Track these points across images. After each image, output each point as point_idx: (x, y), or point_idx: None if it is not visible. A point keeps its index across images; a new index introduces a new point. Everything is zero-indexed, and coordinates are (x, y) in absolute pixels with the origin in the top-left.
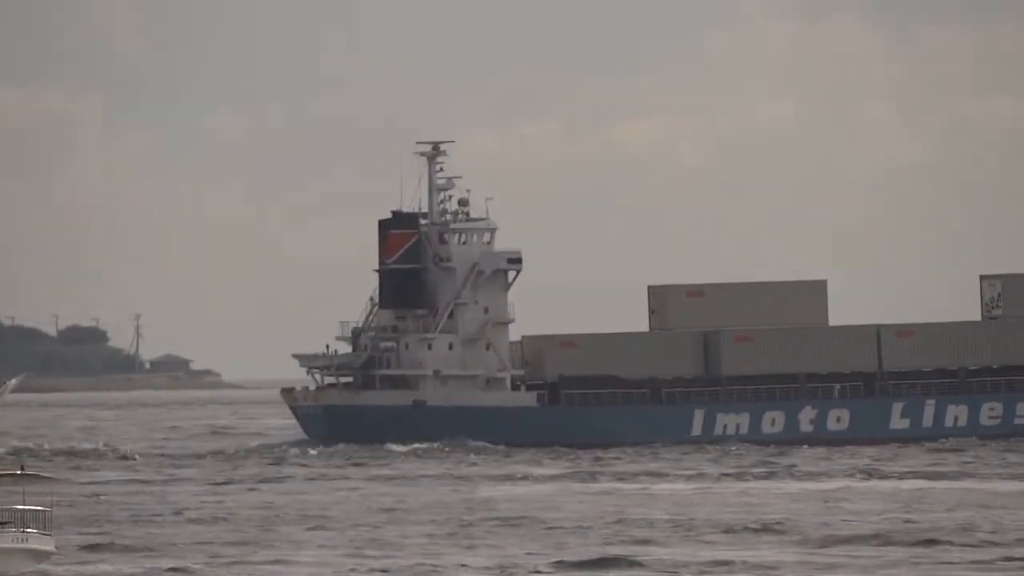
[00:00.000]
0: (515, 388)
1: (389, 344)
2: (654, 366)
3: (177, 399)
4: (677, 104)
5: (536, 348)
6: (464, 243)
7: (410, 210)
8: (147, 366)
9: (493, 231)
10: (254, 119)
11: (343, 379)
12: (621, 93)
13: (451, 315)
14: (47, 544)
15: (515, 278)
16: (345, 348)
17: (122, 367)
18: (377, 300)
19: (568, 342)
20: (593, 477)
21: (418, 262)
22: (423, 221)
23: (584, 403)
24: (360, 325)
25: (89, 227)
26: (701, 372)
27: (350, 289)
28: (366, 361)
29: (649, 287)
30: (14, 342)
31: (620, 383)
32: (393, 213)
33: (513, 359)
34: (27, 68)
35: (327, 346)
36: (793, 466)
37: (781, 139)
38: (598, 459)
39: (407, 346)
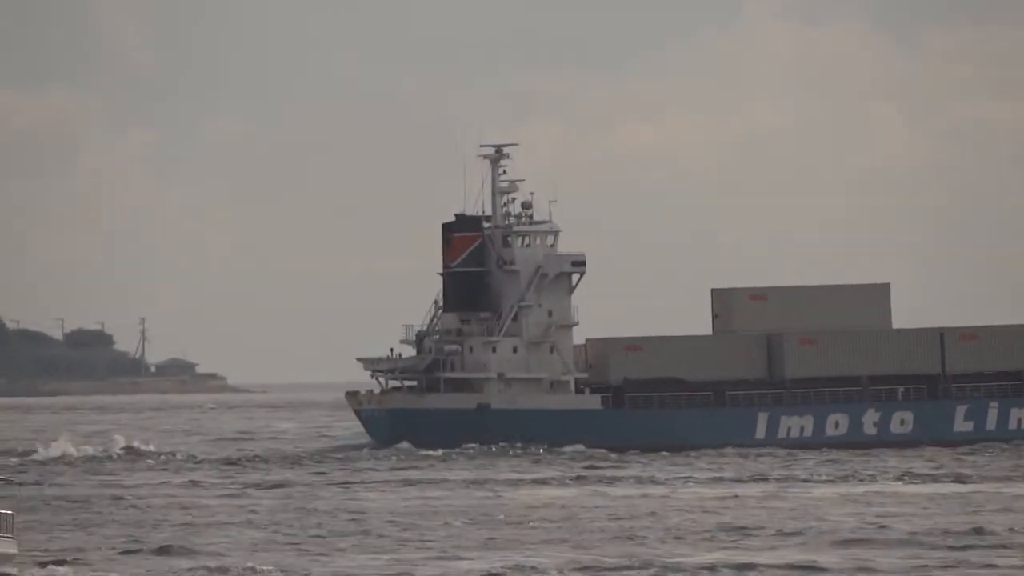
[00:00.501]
0: (579, 391)
1: (453, 347)
2: (718, 369)
3: (189, 402)
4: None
5: (600, 351)
6: (528, 246)
7: (473, 213)
8: (152, 370)
9: (556, 234)
10: (258, 121)
11: (407, 382)
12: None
13: (515, 318)
14: (10, 547)
15: (579, 281)
16: (409, 351)
17: (128, 371)
18: (441, 303)
19: (632, 345)
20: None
21: (482, 265)
22: (486, 224)
23: (648, 406)
24: (424, 328)
25: (94, 231)
26: (764, 375)
27: (414, 293)
28: (430, 364)
29: (712, 290)
30: (20, 346)
31: (684, 386)
32: (457, 216)
33: (577, 362)
34: (30, 71)
35: (391, 349)
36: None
37: (821, 140)
38: (688, 463)
39: (471, 349)
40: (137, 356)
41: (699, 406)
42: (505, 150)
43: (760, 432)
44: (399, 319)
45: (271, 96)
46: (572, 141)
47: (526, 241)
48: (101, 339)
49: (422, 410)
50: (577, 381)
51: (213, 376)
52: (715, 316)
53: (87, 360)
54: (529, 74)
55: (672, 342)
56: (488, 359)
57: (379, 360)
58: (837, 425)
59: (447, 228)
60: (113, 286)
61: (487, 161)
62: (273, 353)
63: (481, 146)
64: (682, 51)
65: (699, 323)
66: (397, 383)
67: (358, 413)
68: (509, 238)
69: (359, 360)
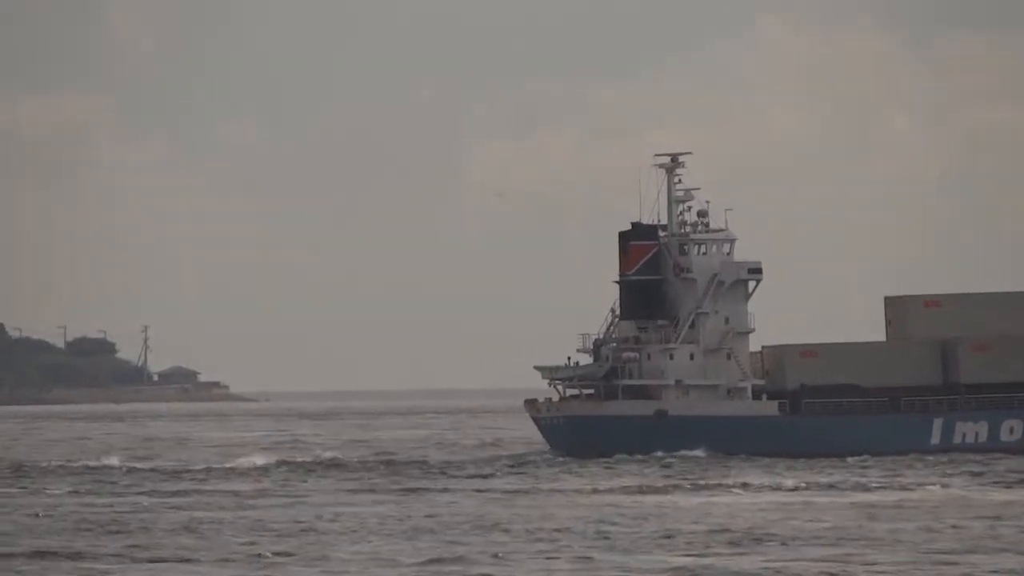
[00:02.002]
0: (756, 398)
1: (631, 355)
2: (893, 375)
3: (242, 410)
4: None
5: (776, 357)
6: (704, 254)
7: (649, 222)
8: (155, 378)
9: (732, 242)
10: (271, 129)
11: (585, 390)
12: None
13: (692, 325)
14: None
15: (755, 288)
16: (586, 360)
17: (130, 379)
18: (618, 311)
19: (808, 351)
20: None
21: (659, 273)
22: (662, 233)
23: (824, 412)
24: (601, 336)
25: (97, 239)
26: (939, 381)
27: (590, 301)
28: (608, 372)
29: (886, 297)
30: (22, 354)
31: (859, 392)
32: (633, 225)
33: (753, 369)
34: (41, 79)
35: (568, 358)
36: None
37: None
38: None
39: (649, 356)
40: (139, 364)
41: (875, 412)
42: (680, 159)
43: (935, 438)
44: (575, 328)
45: (286, 104)
46: (744, 150)
47: (702, 249)
48: (103, 347)
49: (602, 417)
50: (754, 388)
51: (216, 384)
52: (888, 322)
53: (89, 368)
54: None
55: (848, 349)
56: (666, 366)
57: (557, 368)
58: (1012, 431)
59: (624, 237)
60: (115, 294)
61: (662, 170)
62: (274, 362)
63: (656, 155)
64: None
65: (872, 330)
66: (575, 391)
67: (536, 421)
68: (686, 246)
69: (537, 368)
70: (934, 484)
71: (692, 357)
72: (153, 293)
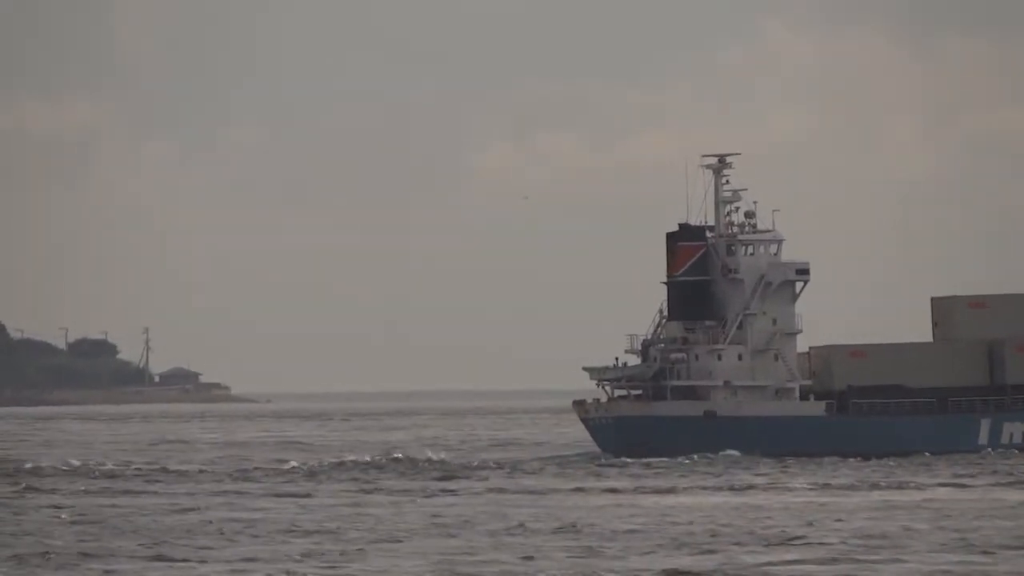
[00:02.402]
0: (803, 398)
1: (679, 355)
2: (940, 376)
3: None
4: None
5: (824, 358)
6: (752, 255)
7: (696, 223)
8: (156, 379)
9: (780, 242)
10: (277, 132)
11: (633, 391)
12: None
13: (740, 326)
14: None
15: (802, 289)
16: (634, 360)
17: (131, 380)
18: (666, 312)
19: (856, 352)
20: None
21: (706, 274)
22: (710, 234)
23: (872, 412)
24: (649, 337)
25: (100, 241)
26: (986, 381)
27: (638, 302)
28: (657, 372)
29: (932, 299)
30: (24, 355)
31: (907, 393)
32: (680, 226)
33: (801, 369)
34: (46, 81)
35: (616, 359)
36: None
37: None
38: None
39: (697, 357)
40: (141, 366)
41: (922, 413)
42: (727, 159)
43: (983, 438)
44: (621, 329)
45: (289, 108)
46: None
47: (750, 250)
48: (105, 349)
49: (650, 417)
50: (801, 388)
51: (217, 386)
52: (935, 324)
53: (91, 369)
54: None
55: (895, 349)
56: (714, 367)
57: (605, 369)
58: None
59: (671, 238)
60: (116, 296)
61: (710, 171)
62: (277, 364)
63: (703, 156)
64: None
65: (918, 330)
66: (623, 392)
67: (585, 421)
68: (733, 247)
69: (585, 369)
70: None
71: (740, 358)
72: (154, 295)
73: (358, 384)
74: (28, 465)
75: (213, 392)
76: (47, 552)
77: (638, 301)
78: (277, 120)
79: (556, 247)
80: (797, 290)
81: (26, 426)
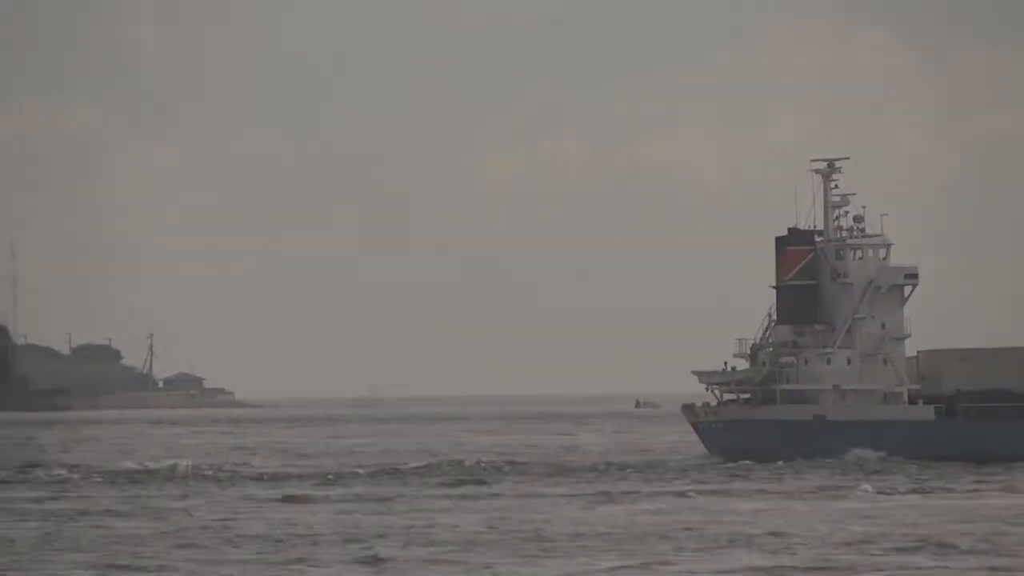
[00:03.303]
0: (912, 402)
1: (788, 359)
2: None
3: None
4: None
5: (932, 362)
6: (861, 259)
7: (805, 227)
8: (160, 384)
9: (889, 247)
10: (285, 136)
11: (742, 395)
12: None
13: (849, 330)
14: None
15: (911, 293)
16: (742, 364)
17: (135, 386)
18: (775, 316)
19: (965, 356)
20: None
21: (815, 278)
22: (818, 238)
23: (981, 417)
24: (758, 341)
25: (103, 245)
26: None
27: (747, 305)
28: (766, 376)
29: None
30: (28, 360)
31: (1016, 397)
32: (790, 230)
33: (909, 373)
34: (47, 84)
35: (724, 363)
36: None
37: None
38: None
39: (806, 361)
40: (145, 371)
41: None
42: (837, 163)
43: None
44: (730, 333)
45: (293, 113)
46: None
47: (859, 254)
48: (108, 354)
49: (760, 421)
50: (910, 392)
51: (221, 391)
52: None
53: (94, 375)
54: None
55: (1004, 354)
56: (823, 371)
57: (714, 373)
58: None
59: (781, 242)
60: (120, 301)
61: (818, 175)
62: (282, 368)
63: (812, 160)
64: None
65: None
66: (732, 396)
67: (695, 425)
68: (842, 251)
69: (694, 373)
70: None
71: (849, 362)
72: (158, 300)
73: (408, 388)
74: (177, 466)
75: (217, 397)
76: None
77: (744, 305)
78: (281, 126)
79: (660, 250)
80: (906, 294)
81: (65, 431)
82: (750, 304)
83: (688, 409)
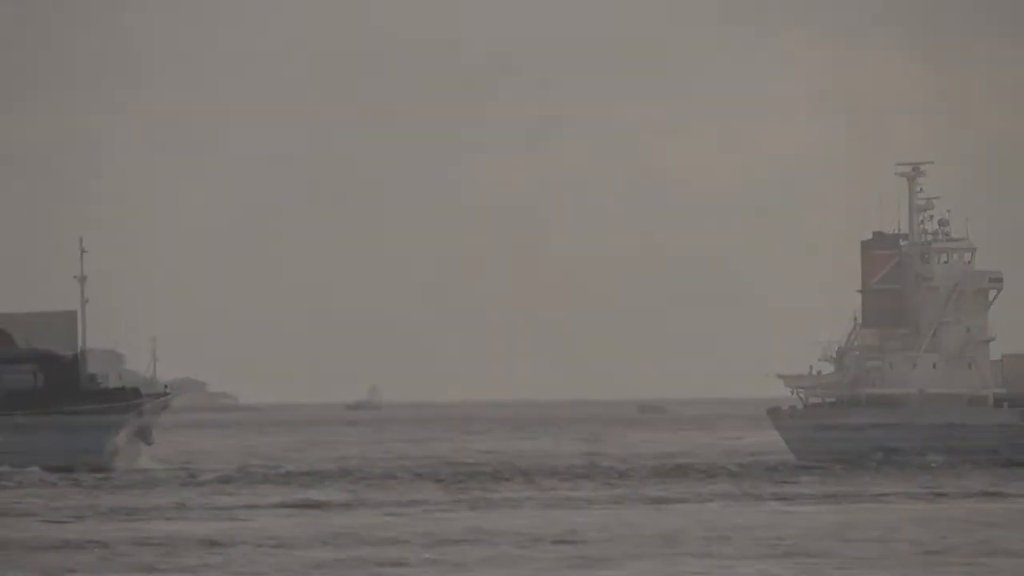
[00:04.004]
0: (997, 406)
1: (875, 363)
2: None
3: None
4: None
5: (1017, 366)
6: (946, 263)
7: (890, 231)
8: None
9: (973, 251)
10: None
11: (827, 399)
12: None
13: (934, 334)
14: None
15: (995, 297)
16: (827, 368)
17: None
18: (860, 320)
19: None
20: None
21: (900, 282)
22: (903, 242)
23: None
24: (843, 345)
25: (106, 247)
26: None
27: (831, 308)
28: (852, 380)
29: None
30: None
31: None
32: (875, 234)
33: (994, 377)
34: (49, 85)
35: (810, 367)
36: None
37: None
38: None
39: (892, 365)
40: (149, 376)
41: None
42: (922, 167)
43: None
44: (804, 335)
45: (296, 116)
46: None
47: (944, 258)
48: (112, 358)
49: (846, 425)
50: (995, 396)
51: (224, 395)
52: None
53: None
54: None
55: None
56: (909, 375)
57: (801, 377)
58: None
59: (866, 246)
60: (124, 306)
61: (903, 179)
62: (283, 371)
63: (898, 164)
64: None
65: None
66: (818, 400)
67: (780, 429)
68: (927, 255)
69: (779, 377)
70: None
71: (935, 366)
72: (162, 304)
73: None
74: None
75: (220, 401)
76: None
77: (825, 308)
78: (283, 129)
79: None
80: (990, 298)
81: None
82: (832, 306)
83: (774, 412)
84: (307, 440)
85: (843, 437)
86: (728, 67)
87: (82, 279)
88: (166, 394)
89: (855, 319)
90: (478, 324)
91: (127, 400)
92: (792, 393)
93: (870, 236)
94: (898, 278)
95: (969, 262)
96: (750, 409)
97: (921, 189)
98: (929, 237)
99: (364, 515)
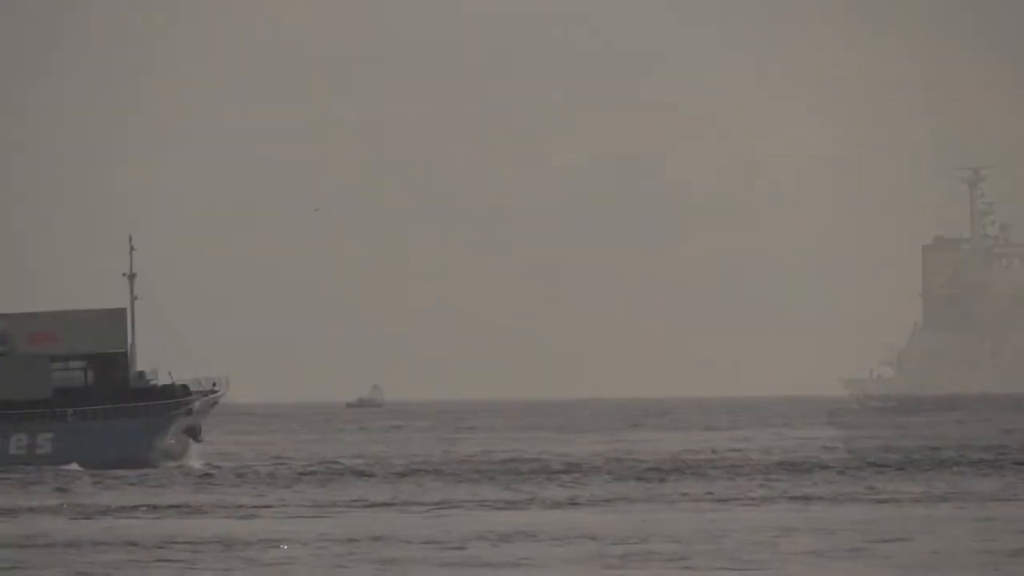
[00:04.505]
0: None
1: (936, 366)
2: None
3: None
4: None
5: None
6: (1007, 267)
7: (951, 235)
8: None
9: None
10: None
11: (888, 402)
12: None
13: (996, 337)
14: None
15: None
16: (888, 371)
17: None
18: (921, 324)
19: None
20: None
21: (962, 286)
22: (964, 246)
23: None
24: (905, 348)
25: (105, 252)
26: None
27: (892, 312)
28: (913, 383)
29: None
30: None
31: None
32: (935, 239)
33: None
34: (50, 88)
35: (870, 369)
36: None
37: None
38: None
39: (953, 368)
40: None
41: None
42: (982, 171)
43: None
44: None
45: (295, 114)
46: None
47: (1005, 262)
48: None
49: (906, 424)
50: None
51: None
52: None
53: None
54: None
55: None
56: (970, 377)
57: (863, 381)
58: None
59: (927, 250)
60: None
61: (964, 184)
62: (284, 370)
63: (957, 169)
64: None
65: None
66: (878, 403)
67: (840, 428)
68: (989, 259)
69: (842, 380)
70: None
71: (996, 369)
72: (162, 304)
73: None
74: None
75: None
76: None
77: (885, 311)
78: (284, 128)
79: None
80: None
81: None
82: (893, 310)
83: (837, 412)
84: (344, 439)
85: (903, 436)
86: (780, 65)
87: (131, 276)
88: (215, 391)
89: (915, 323)
90: (480, 324)
91: (177, 397)
92: (853, 395)
93: (931, 241)
94: (959, 282)
95: None
96: (808, 407)
97: (982, 193)
98: (990, 241)
99: (457, 514)
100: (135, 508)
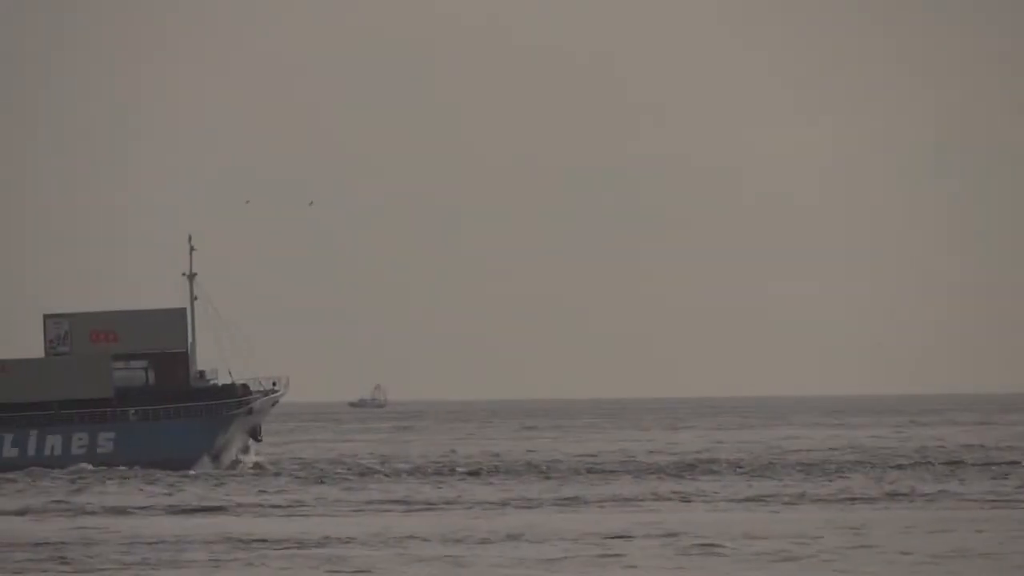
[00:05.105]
0: None
1: None
2: None
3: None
4: None
5: None
6: None
7: None
8: None
9: None
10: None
11: None
12: None
13: None
14: None
15: None
16: None
17: None
18: None
19: None
20: None
21: None
22: None
23: None
24: None
25: (107, 254)
26: None
27: None
28: None
29: None
30: None
31: None
32: None
33: None
34: (52, 91)
35: None
36: None
37: None
38: None
39: None
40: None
41: None
42: None
43: None
44: None
45: (295, 115)
46: None
47: None
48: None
49: None
50: None
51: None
52: None
53: None
54: None
55: None
56: None
57: None
58: None
59: None
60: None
61: None
62: (286, 370)
63: None
64: None
65: None
66: None
67: None
68: None
69: None
70: None
71: None
72: (162, 305)
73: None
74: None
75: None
76: None
77: None
78: (284, 128)
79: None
80: None
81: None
82: None
83: None
84: (392, 438)
85: None
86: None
87: (191, 276)
88: (275, 391)
89: None
90: (483, 323)
91: (237, 397)
92: None
93: None
94: None
95: None
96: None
97: None
98: None
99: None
100: (255, 506)
